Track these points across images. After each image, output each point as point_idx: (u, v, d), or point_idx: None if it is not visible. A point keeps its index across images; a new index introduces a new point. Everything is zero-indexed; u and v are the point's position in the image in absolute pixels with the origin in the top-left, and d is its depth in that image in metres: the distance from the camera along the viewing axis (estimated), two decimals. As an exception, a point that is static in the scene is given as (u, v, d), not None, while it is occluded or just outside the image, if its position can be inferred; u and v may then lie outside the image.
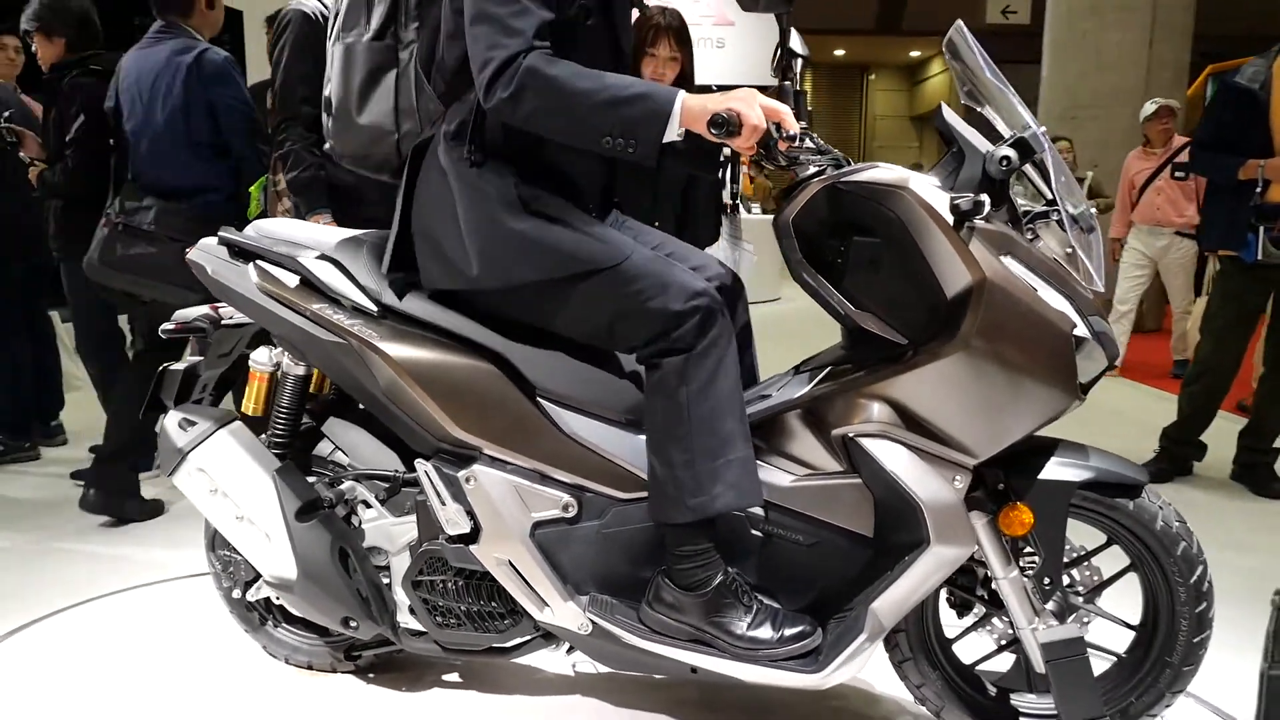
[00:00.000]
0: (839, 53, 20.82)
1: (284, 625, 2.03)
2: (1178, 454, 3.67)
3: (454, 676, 2.06)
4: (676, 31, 2.60)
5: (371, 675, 2.05)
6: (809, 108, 1.64)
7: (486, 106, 1.50)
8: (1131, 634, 1.81)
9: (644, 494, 1.67)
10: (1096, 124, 7.19)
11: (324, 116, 1.75)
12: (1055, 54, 7.58)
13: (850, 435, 1.61)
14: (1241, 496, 3.48)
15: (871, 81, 22.68)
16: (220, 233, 1.85)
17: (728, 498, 1.57)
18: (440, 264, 1.67)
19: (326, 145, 1.78)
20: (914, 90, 22.45)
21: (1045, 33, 7.68)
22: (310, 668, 2.04)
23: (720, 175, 2.52)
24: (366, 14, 1.68)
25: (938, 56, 18.74)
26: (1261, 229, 3.27)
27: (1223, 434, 3.66)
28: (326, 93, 1.74)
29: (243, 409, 1.89)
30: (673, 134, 1.46)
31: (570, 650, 1.84)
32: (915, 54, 21.03)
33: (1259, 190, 3.27)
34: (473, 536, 1.72)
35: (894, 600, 1.61)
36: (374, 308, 1.72)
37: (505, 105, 1.48)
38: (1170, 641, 1.72)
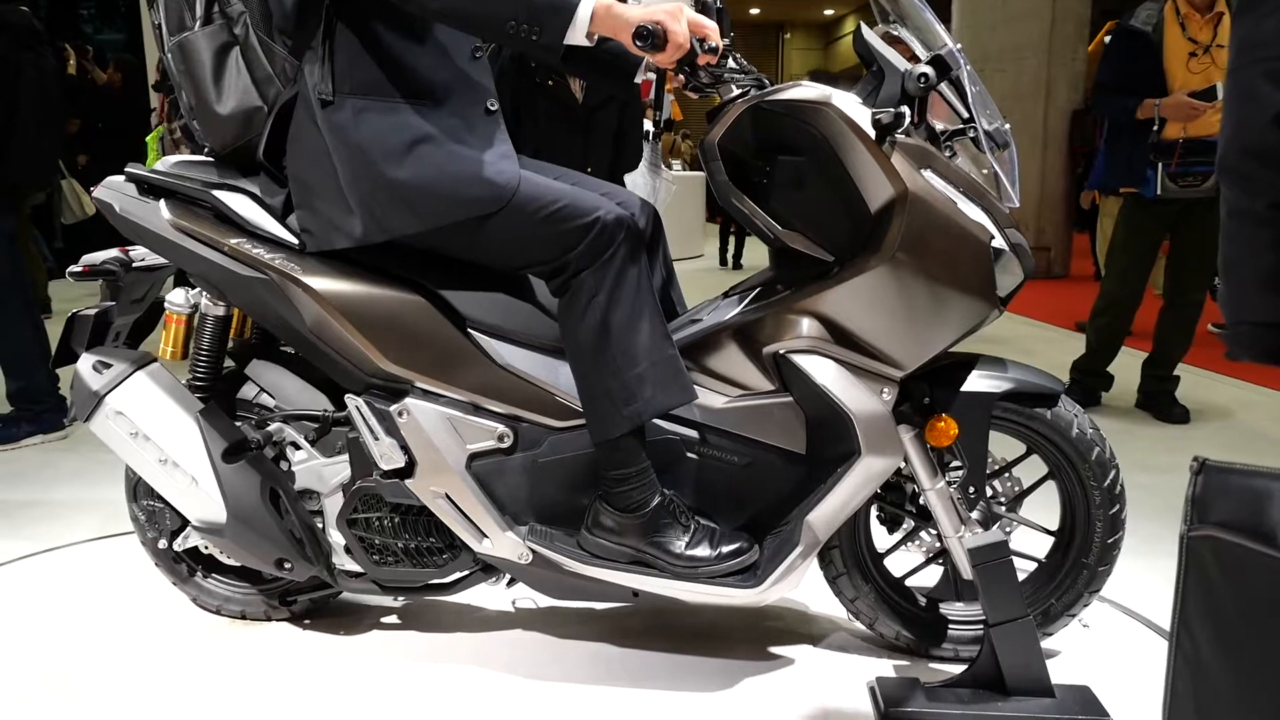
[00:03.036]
0: (754, 11, 20.86)
1: (214, 575, 1.99)
2: (1087, 385, 3.83)
3: (392, 619, 2.05)
4: None
5: (308, 621, 2.02)
6: (731, 29, 1.64)
7: None
8: (1050, 540, 1.89)
9: (579, 422, 1.68)
10: (1004, 76, 7.38)
11: (190, 123, 1.70)
12: (964, 8, 7.74)
13: (781, 352, 1.64)
14: (1146, 423, 3.66)
15: (787, 40, 22.82)
16: (128, 168, 1.77)
17: (660, 398, 1.58)
18: (324, 226, 1.62)
19: (206, 149, 1.72)
20: (829, 49, 22.65)
21: (954, -13, 7.84)
22: (244, 617, 2.00)
23: (641, 96, 2.52)
24: (188, 5, 1.64)
25: (852, 14, 18.94)
26: (1160, 165, 3.41)
27: (1127, 367, 3.83)
28: (182, 100, 1.68)
29: (160, 353, 1.82)
30: (580, 34, 1.42)
31: (510, 583, 1.84)
32: (829, 12, 21.21)
33: (1156, 129, 3.40)
34: (408, 471, 1.70)
35: (827, 512, 1.65)
36: (295, 240, 1.67)
37: None
38: (1086, 544, 1.81)
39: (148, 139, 4.31)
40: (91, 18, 10.66)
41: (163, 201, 1.73)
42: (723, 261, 9.29)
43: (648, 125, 2.22)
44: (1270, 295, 0.85)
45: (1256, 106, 0.82)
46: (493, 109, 1.65)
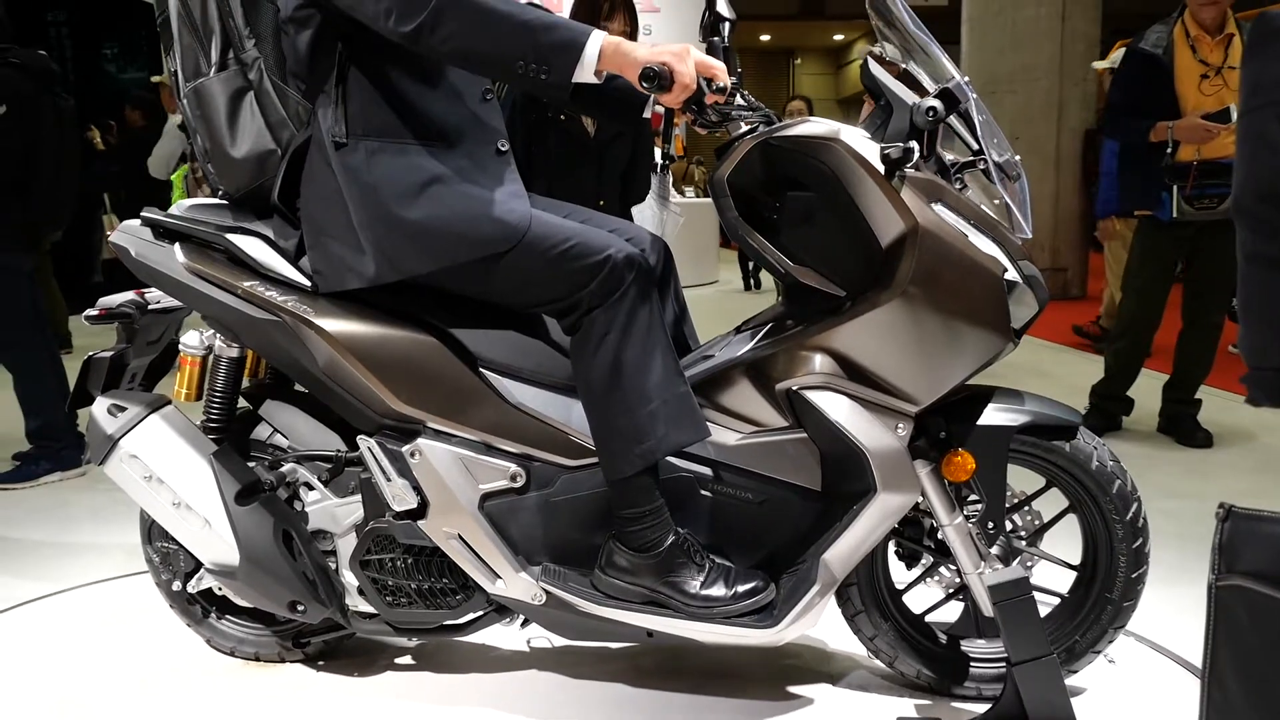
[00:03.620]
0: (765, 38, 21.00)
1: (228, 617, 1.98)
2: (1107, 410, 3.78)
3: (406, 659, 2.04)
4: (628, 5, 2.59)
5: (321, 663, 2.01)
6: (739, 68, 1.65)
7: (397, 34, 1.46)
8: (1073, 574, 1.86)
9: (591, 460, 1.67)
10: (1015, 98, 7.38)
11: (205, 166, 1.72)
12: (973, 32, 7.76)
13: (794, 389, 1.62)
14: (1168, 447, 3.61)
15: (797, 66, 22.94)
16: (144, 212, 1.79)
17: (673, 437, 1.57)
18: (336, 266, 1.63)
19: (219, 192, 1.74)
20: (839, 74, 22.75)
21: (963, 11, 7.85)
22: (258, 658, 1.99)
23: (650, 131, 2.53)
24: (204, 52, 1.66)
25: (861, 39, 19.04)
26: (1175, 188, 3.39)
27: (1148, 391, 3.79)
28: (197, 144, 1.71)
29: (174, 395, 1.83)
30: (588, 72, 1.43)
31: (524, 624, 1.83)
32: (839, 38, 21.33)
33: (1170, 151, 3.38)
34: (420, 512, 1.69)
35: (844, 551, 1.63)
36: (307, 283, 1.68)
37: (422, 31, 1.44)
38: (1110, 578, 1.78)
39: (173, 177, 4.42)
40: (115, 58, 10.85)
41: (177, 245, 1.74)
42: (746, 286, 9.45)
43: (656, 155, 2.21)
44: None
45: (1269, 150, 0.81)
46: (503, 150, 1.66)
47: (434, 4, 1.43)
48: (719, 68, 1.47)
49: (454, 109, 1.63)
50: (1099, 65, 5.49)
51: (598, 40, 1.43)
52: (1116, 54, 5.35)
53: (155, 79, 5.45)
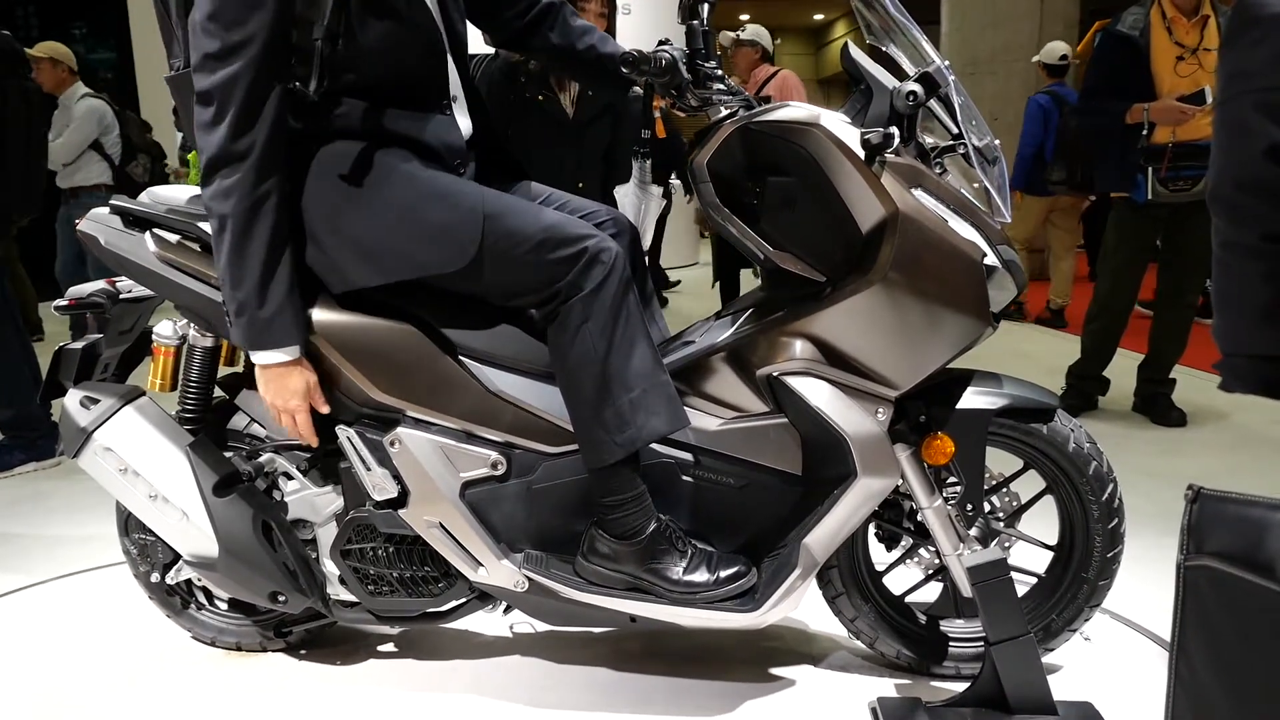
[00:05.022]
0: (744, 18, 20.88)
1: (208, 607, 1.97)
2: (1083, 390, 3.82)
3: (389, 647, 2.03)
4: None
5: (304, 652, 2.00)
6: (718, 52, 1.64)
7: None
8: (1050, 554, 1.88)
9: (573, 447, 1.66)
10: (994, 78, 7.39)
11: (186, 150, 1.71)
12: (954, 11, 7.75)
13: (774, 374, 1.62)
14: (1144, 426, 3.65)
15: (778, 46, 22.84)
16: (112, 201, 1.76)
17: (653, 425, 1.57)
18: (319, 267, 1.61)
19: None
20: (819, 53, 22.70)
21: (943, -9, 7.84)
22: (239, 648, 1.98)
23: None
24: (179, 41, 1.63)
25: (842, 19, 18.99)
26: (1150, 170, 3.41)
27: (1123, 371, 3.82)
28: (180, 130, 1.69)
29: (148, 385, 1.81)
30: (260, 358, 1.55)
31: (507, 611, 1.83)
32: (819, 17, 21.27)
33: (1145, 133, 3.40)
34: (401, 500, 1.69)
35: (825, 534, 1.64)
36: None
37: (206, 192, 1.50)
38: (1086, 558, 1.80)
39: (189, 156, 4.32)
40: (83, 37, 10.67)
41: (148, 234, 1.72)
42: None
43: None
44: (1265, 328, 0.84)
45: (1247, 138, 0.81)
46: (461, 172, 1.64)
47: (206, 200, 1.50)
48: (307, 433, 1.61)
49: (412, 121, 1.60)
50: (1035, 59, 5.67)
51: (267, 359, 1.54)
52: (1048, 46, 5.49)
53: (29, 51, 4.92)
